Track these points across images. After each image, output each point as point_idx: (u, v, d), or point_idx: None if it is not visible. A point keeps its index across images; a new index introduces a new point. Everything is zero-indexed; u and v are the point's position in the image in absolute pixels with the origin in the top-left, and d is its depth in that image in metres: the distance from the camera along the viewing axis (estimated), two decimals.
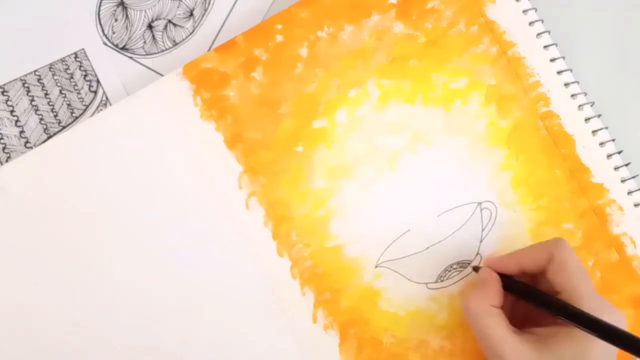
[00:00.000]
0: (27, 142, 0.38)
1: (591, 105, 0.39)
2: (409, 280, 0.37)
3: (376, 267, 0.37)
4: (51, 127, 0.38)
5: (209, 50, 0.40)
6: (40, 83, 0.39)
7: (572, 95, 0.39)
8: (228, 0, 0.40)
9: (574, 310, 0.30)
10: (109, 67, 0.39)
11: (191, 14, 0.40)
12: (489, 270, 0.34)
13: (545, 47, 0.39)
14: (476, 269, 0.36)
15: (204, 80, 0.38)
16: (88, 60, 0.39)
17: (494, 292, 0.32)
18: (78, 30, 0.39)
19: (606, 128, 0.39)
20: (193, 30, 0.40)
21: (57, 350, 0.36)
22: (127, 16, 0.40)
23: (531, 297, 0.32)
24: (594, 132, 0.39)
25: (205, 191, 0.37)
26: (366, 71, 0.38)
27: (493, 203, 0.38)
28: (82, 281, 0.36)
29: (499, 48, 0.39)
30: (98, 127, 0.37)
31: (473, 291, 0.33)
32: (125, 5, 0.40)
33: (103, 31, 0.40)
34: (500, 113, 0.39)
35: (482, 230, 0.38)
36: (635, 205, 0.39)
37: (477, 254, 0.38)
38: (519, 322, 0.33)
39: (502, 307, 0.32)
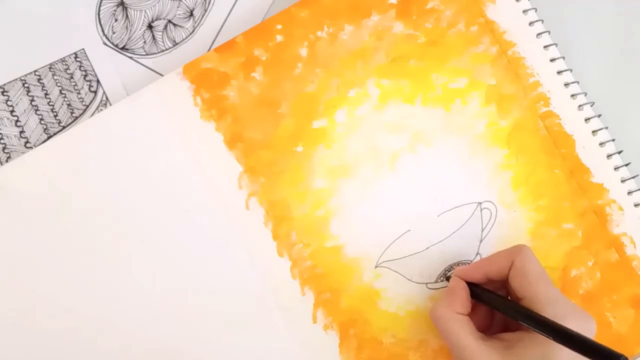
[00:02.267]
0: (27, 142, 0.38)
1: (591, 105, 0.39)
2: (409, 280, 0.37)
3: (376, 267, 0.37)
4: (51, 127, 0.38)
5: (209, 50, 0.40)
6: (40, 83, 0.39)
7: (572, 95, 0.39)
8: (228, 0, 0.40)
9: (530, 314, 0.30)
10: (109, 67, 0.39)
11: (191, 14, 0.40)
12: (456, 279, 0.34)
13: (545, 47, 0.39)
14: (448, 278, 0.37)
15: (204, 80, 0.38)
16: (88, 60, 0.39)
17: (460, 300, 0.33)
18: (78, 30, 0.39)
19: (606, 128, 0.39)
20: (193, 30, 0.40)
21: (57, 350, 0.36)
22: (127, 16, 0.40)
23: (494, 303, 0.33)
24: (594, 132, 0.39)
25: (205, 191, 0.37)
26: (366, 71, 0.38)
27: (493, 203, 0.38)
28: (82, 281, 0.36)
29: (499, 48, 0.39)
30: (98, 127, 0.37)
31: (441, 299, 0.34)
32: (125, 5, 0.40)
33: (103, 31, 0.40)
34: (500, 113, 0.39)
35: (482, 230, 0.38)
36: (635, 205, 0.39)
37: (477, 254, 0.38)
38: (494, 329, 0.34)
39: (475, 315, 0.33)
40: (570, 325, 0.29)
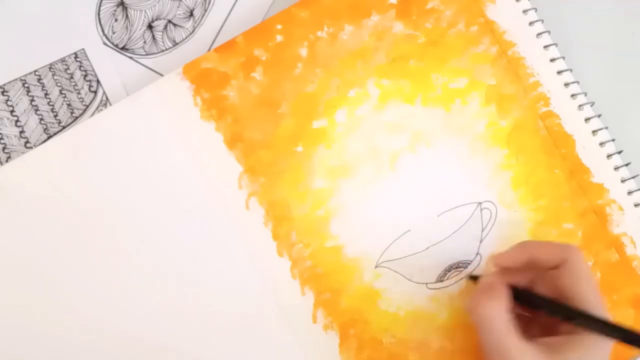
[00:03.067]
0: (27, 142, 0.38)
1: (591, 105, 0.39)
2: (409, 280, 0.37)
3: (376, 267, 0.37)
4: (51, 127, 0.38)
5: (209, 50, 0.40)
6: (40, 83, 0.39)
7: (572, 95, 0.39)
8: (228, 0, 0.40)
9: (593, 316, 0.30)
10: (109, 67, 0.39)
11: (191, 14, 0.40)
12: (493, 277, 0.33)
13: (545, 47, 0.39)
14: (474, 278, 0.36)
15: (204, 80, 0.38)
16: (88, 60, 0.39)
17: (503, 297, 0.31)
18: (78, 30, 0.39)
19: (606, 128, 0.39)
20: (193, 30, 0.40)
21: (57, 349, 0.36)
22: (127, 16, 0.40)
23: (543, 304, 0.32)
24: (594, 132, 0.39)
25: (205, 191, 0.37)
26: (366, 71, 0.38)
27: (493, 203, 0.38)
28: (81, 281, 0.36)
29: (499, 48, 0.39)
30: (98, 127, 0.37)
31: (481, 296, 0.32)
32: (125, 5, 0.40)
33: (103, 31, 0.40)
34: (500, 113, 0.39)
35: (482, 230, 0.38)
36: (635, 205, 0.39)
37: (477, 254, 0.38)
38: (531, 332, 0.32)
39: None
40: None
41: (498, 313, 0.31)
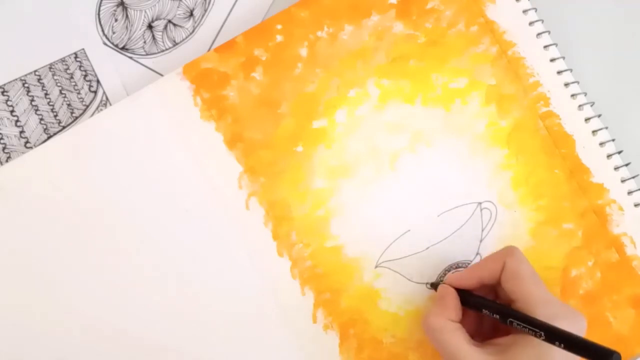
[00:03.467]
0: (27, 142, 0.38)
1: (591, 105, 0.39)
2: (409, 280, 0.37)
3: (376, 267, 0.37)
4: (51, 127, 0.38)
5: (209, 50, 0.40)
6: (40, 83, 0.39)
7: (572, 95, 0.39)
8: (228, 0, 0.40)
9: (522, 316, 0.30)
10: (109, 67, 0.39)
11: (191, 14, 0.40)
12: (446, 287, 0.34)
13: (545, 47, 0.39)
14: (434, 286, 0.36)
15: (204, 80, 0.38)
16: (88, 60, 0.39)
17: (452, 308, 0.33)
18: (78, 30, 0.39)
19: (606, 128, 0.39)
20: (193, 30, 0.40)
21: (57, 349, 0.36)
22: (127, 16, 0.40)
23: (485, 308, 0.33)
24: (594, 132, 0.39)
25: (205, 191, 0.37)
26: (366, 71, 0.38)
27: (493, 203, 0.38)
28: (81, 281, 0.36)
29: (499, 48, 0.39)
30: (98, 127, 0.37)
31: (432, 308, 0.34)
32: (125, 5, 0.40)
33: (103, 31, 0.40)
34: (500, 113, 0.39)
35: (482, 230, 0.38)
36: (635, 205, 0.39)
37: (477, 254, 0.38)
38: (485, 334, 0.34)
39: (463, 322, 0.33)
40: (561, 324, 0.29)
41: (443, 323, 0.32)
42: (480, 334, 0.34)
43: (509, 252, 0.33)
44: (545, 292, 0.32)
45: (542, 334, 0.29)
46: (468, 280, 0.34)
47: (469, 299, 0.34)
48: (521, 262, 0.32)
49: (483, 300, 0.33)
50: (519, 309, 0.31)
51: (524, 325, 0.30)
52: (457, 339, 0.31)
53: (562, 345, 0.28)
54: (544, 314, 0.30)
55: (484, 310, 0.33)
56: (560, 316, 0.30)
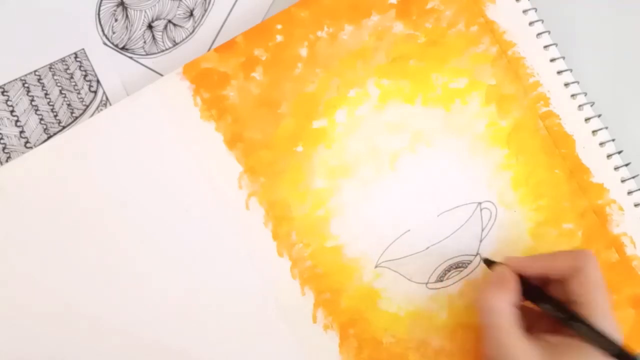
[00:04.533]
0: (27, 142, 0.38)
1: (591, 105, 0.39)
2: (409, 280, 0.37)
3: (376, 267, 0.37)
4: (51, 127, 0.38)
5: (209, 50, 0.40)
6: (40, 83, 0.39)
7: (572, 95, 0.39)
8: (228, 0, 0.40)
9: (592, 326, 0.30)
10: (109, 67, 0.39)
11: (191, 14, 0.40)
12: (507, 269, 0.33)
13: (545, 47, 0.39)
14: (488, 262, 0.35)
15: (204, 80, 0.38)
16: (88, 60, 0.39)
17: (514, 292, 0.32)
18: (78, 30, 0.39)
19: (606, 128, 0.39)
20: (193, 30, 0.40)
21: (58, 349, 0.36)
22: (127, 16, 0.40)
23: (547, 302, 0.32)
24: (594, 132, 0.39)
25: (205, 191, 0.37)
26: (366, 71, 0.38)
27: (493, 203, 0.38)
28: (81, 281, 0.36)
29: (499, 48, 0.39)
30: (98, 127, 0.37)
31: (491, 287, 0.32)
32: (125, 5, 0.40)
33: (103, 31, 0.40)
34: (500, 113, 0.39)
35: (482, 230, 0.38)
36: (635, 205, 0.39)
37: (477, 253, 0.38)
38: (537, 328, 0.33)
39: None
40: None
41: (504, 306, 0.31)
42: (535, 327, 0.33)
43: (586, 256, 0.32)
44: (610, 306, 0.31)
45: (617, 349, 0.28)
46: (531, 267, 0.32)
47: (529, 288, 0.32)
48: (598, 269, 0.31)
49: (544, 294, 0.32)
50: (581, 313, 0.31)
51: (590, 335, 0.29)
52: (514, 328, 0.30)
53: None
54: (603, 327, 0.30)
55: (543, 304, 0.32)
56: (614, 334, 0.30)
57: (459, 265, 0.38)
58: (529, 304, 0.33)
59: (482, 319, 0.32)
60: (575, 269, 0.32)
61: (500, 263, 0.34)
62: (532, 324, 0.33)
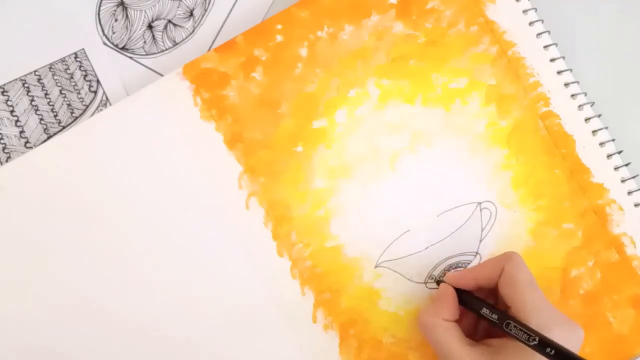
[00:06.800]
0: (27, 142, 0.38)
1: (591, 105, 0.39)
2: (409, 280, 0.37)
3: (376, 267, 0.37)
4: (51, 127, 0.38)
5: (209, 50, 0.40)
6: (40, 83, 0.39)
7: (572, 95, 0.39)
8: (228, 0, 0.40)
9: (513, 322, 0.30)
10: (109, 67, 0.39)
11: (191, 14, 0.40)
12: (446, 286, 0.35)
13: (545, 47, 0.39)
14: (438, 282, 0.37)
15: (204, 80, 0.38)
16: (88, 60, 0.39)
17: (448, 307, 0.33)
18: (78, 30, 0.39)
19: (606, 128, 0.39)
20: (193, 30, 0.40)
21: (60, 347, 0.36)
22: (127, 16, 0.40)
23: (480, 310, 0.33)
24: (594, 132, 0.39)
25: (205, 191, 0.37)
26: (366, 71, 0.38)
27: (493, 203, 0.38)
28: (81, 281, 0.36)
29: (499, 48, 0.39)
30: (98, 127, 0.37)
31: (429, 306, 0.34)
32: (125, 5, 0.40)
33: (103, 31, 0.40)
34: (500, 113, 0.39)
35: (482, 230, 0.38)
36: (635, 205, 0.39)
37: (477, 254, 0.38)
38: (480, 334, 0.35)
39: (462, 321, 0.33)
40: (555, 334, 0.29)
41: (436, 321, 0.33)
42: (477, 335, 0.35)
43: (508, 257, 0.33)
44: (542, 300, 0.31)
45: (537, 339, 0.29)
46: (465, 280, 0.34)
47: (467, 299, 0.34)
48: (519, 269, 0.32)
49: (479, 302, 0.33)
50: (513, 315, 0.31)
51: (513, 331, 0.30)
52: (450, 337, 0.32)
53: (553, 352, 0.28)
54: (537, 322, 0.30)
55: (481, 311, 0.33)
56: (555, 326, 0.30)
57: (459, 265, 0.38)
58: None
59: (425, 335, 0.33)
60: (500, 272, 0.33)
61: (443, 282, 0.35)
62: (476, 331, 0.35)
